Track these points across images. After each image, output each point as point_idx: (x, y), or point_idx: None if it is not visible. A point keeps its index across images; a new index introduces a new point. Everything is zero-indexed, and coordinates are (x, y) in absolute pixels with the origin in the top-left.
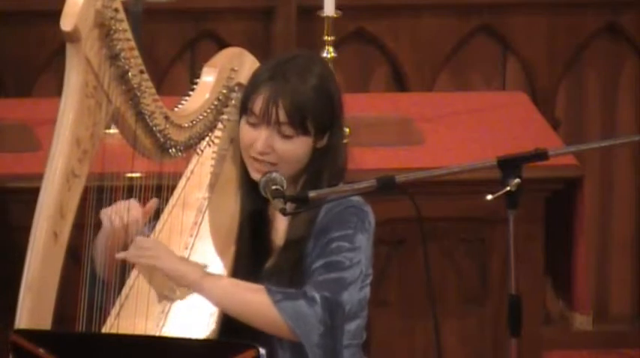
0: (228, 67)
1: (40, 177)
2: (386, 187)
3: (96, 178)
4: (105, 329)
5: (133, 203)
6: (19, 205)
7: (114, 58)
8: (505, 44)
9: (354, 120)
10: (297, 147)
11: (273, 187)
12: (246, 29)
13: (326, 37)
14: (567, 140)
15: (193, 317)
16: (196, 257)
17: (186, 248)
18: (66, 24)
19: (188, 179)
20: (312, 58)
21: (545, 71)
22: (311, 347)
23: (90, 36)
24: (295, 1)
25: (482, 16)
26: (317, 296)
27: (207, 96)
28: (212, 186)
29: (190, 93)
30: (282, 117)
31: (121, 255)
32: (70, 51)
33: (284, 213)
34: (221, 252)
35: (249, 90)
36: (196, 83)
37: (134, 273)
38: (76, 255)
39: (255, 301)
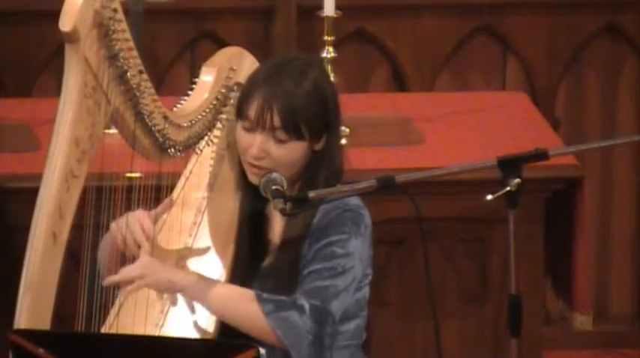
0: (227, 67)
1: (40, 177)
2: (386, 187)
3: (95, 178)
4: (104, 329)
5: (143, 214)
6: (19, 205)
7: (113, 58)
8: (505, 44)
9: (354, 120)
10: (291, 152)
11: (274, 187)
12: (246, 29)
13: (326, 37)
14: (567, 140)
15: (193, 317)
16: (195, 256)
17: (185, 247)
18: (65, 24)
19: (187, 179)
20: (308, 62)
21: (545, 71)
22: (300, 355)
23: (89, 36)
24: (295, 1)
25: (483, 16)
26: (306, 305)
27: (206, 95)
28: (211, 186)
29: (189, 92)
30: (277, 122)
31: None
32: (68, 51)
33: (284, 213)
34: (220, 251)
35: (244, 95)
36: (195, 83)
37: None
38: (75, 255)
39: (246, 310)
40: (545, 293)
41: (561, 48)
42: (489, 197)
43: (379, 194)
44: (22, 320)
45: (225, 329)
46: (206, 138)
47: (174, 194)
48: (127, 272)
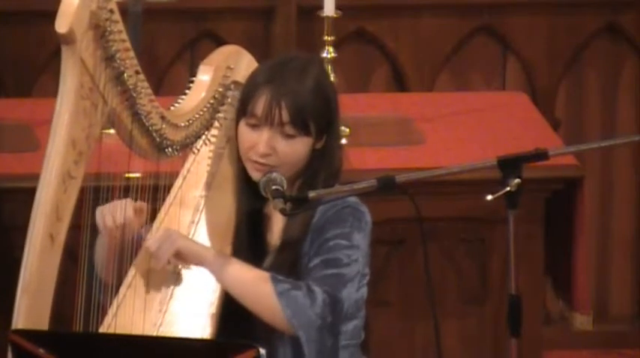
0: (224, 66)
1: (39, 177)
2: (386, 187)
3: (92, 178)
4: (102, 329)
5: (128, 201)
6: (18, 205)
7: (109, 59)
8: (505, 44)
9: (354, 120)
10: (298, 148)
11: (273, 187)
12: (246, 29)
13: (326, 37)
14: (567, 140)
15: (192, 317)
16: None
17: None
18: (61, 26)
19: (185, 178)
20: (308, 60)
21: (545, 71)
22: (307, 340)
23: (85, 37)
24: (295, 1)
25: (483, 16)
26: (318, 290)
27: (203, 94)
28: (209, 185)
29: (186, 91)
30: (285, 117)
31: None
32: (65, 53)
33: (284, 213)
34: (218, 251)
35: (248, 93)
36: (192, 82)
37: (132, 273)
38: (73, 255)
39: (259, 290)
40: (545, 293)
41: (561, 48)
42: (489, 197)
43: (379, 194)
44: (20, 320)
45: (225, 328)
46: (203, 137)
47: (172, 193)
48: (154, 242)
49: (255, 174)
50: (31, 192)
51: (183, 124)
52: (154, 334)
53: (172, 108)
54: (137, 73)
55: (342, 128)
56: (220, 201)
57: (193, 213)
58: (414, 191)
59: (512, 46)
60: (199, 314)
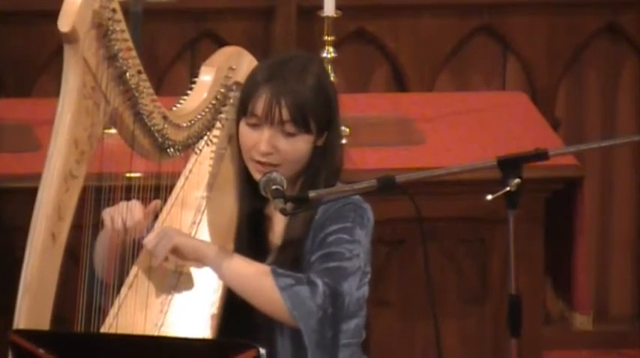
0: (225, 66)
1: (40, 177)
2: (386, 187)
3: (94, 178)
4: (104, 329)
5: (136, 204)
6: (19, 205)
7: (112, 58)
8: (505, 44)
9: (354, 120)
10: (299, 146)
11: (274, 187)
12: (246, 29)
13: (326, 37)
14: (567, 140)
15: (193, 317)
16: None
17: None
18: (63, 25)
19: (186, 178)
20: (308, 59)
21: (545, 71)
22: (308, 331)
23: (87, 36)
24: (295, 1)
25: (483, 16)
26: (319, 282)
27: (205, 95)
28: (210, 186)
29: (188, 92)
30: (285, 115)
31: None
32: (67, 52)
33: (284, 212)
34: (218, 247)
35: (248, 93)
36: (194, 82)
37: (133, 273)
38: (74, 255)
39: (261, 283)
40: (545, 293)
41: (561, 48)
42: (489, 197)
43: (379, 194)
44: (22, 320)
45: (225, 328)
46: (205, 138)
47: (174, 194)
48: (151, 241)
49: (257, 175)
50: (31, 193)
51: (185, 125)
52: (155, 334)
53: (174, 108)
54: (139, 72)
55: (342, 128)
56: (222, 202)
57: (195, 213)
58: (414, 191)
59: (512, 46)
60: (201, 315)
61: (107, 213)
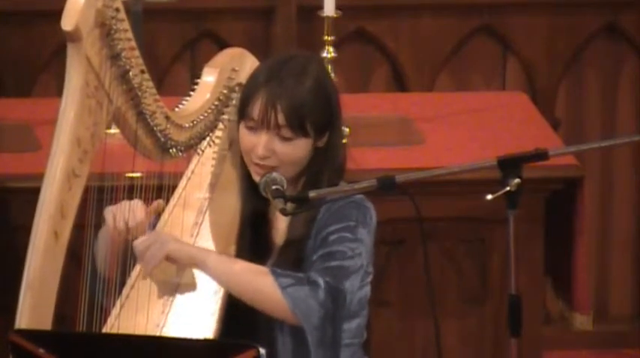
0: (228, 68)
1: (40, 176)
2: (386, 187)
3: (96, 178)
4: (105, 329)
5: (138, 203)
6: (20, 205)
7: (115, 57)
8: (505, 44)
9: (354, 120)
10: (297, 150)
11: (274, 187)
12: (246, 29)
13: (326, 37)
14: (567, 140)
15: (194, 318)
16: None
17: None
18: (67, 24)
19: (189, 179)
20: (308, 59)
21: (545, 71)
22: (310, 329)
23: (91, 36)
24: (295, 1)
25: (483, 16)
26: (320, 280)
27: (207, 96)
28: (213, 186)
29: (191, 93)
30: (281, 120)
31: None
32: (70, 51)
33: (284, 213)
34: (221, 252)
35: (247, 95)
36: (197, 83)
37: (135, 273)
38: (76, 254)
39: (261, 284)
40: (545, 293)
41: (561, 48)
42: (489, 197)
43: (379, 194)
44: (23, 319)
45: (225, 328)
46: (208, 138)
47: (176, 194)
48: (140, 244)
49: (256, 177)
50: (31, 192)
51: (187, 125)
52: (157, 335)
53: (177, 109)
54: (142, 72)
55: (342, 128)
56: (224, 203)
57: (197, 214)
58: (414, 191)
59: (512, 46)
60: (202, 316)
61: (109, 211)
